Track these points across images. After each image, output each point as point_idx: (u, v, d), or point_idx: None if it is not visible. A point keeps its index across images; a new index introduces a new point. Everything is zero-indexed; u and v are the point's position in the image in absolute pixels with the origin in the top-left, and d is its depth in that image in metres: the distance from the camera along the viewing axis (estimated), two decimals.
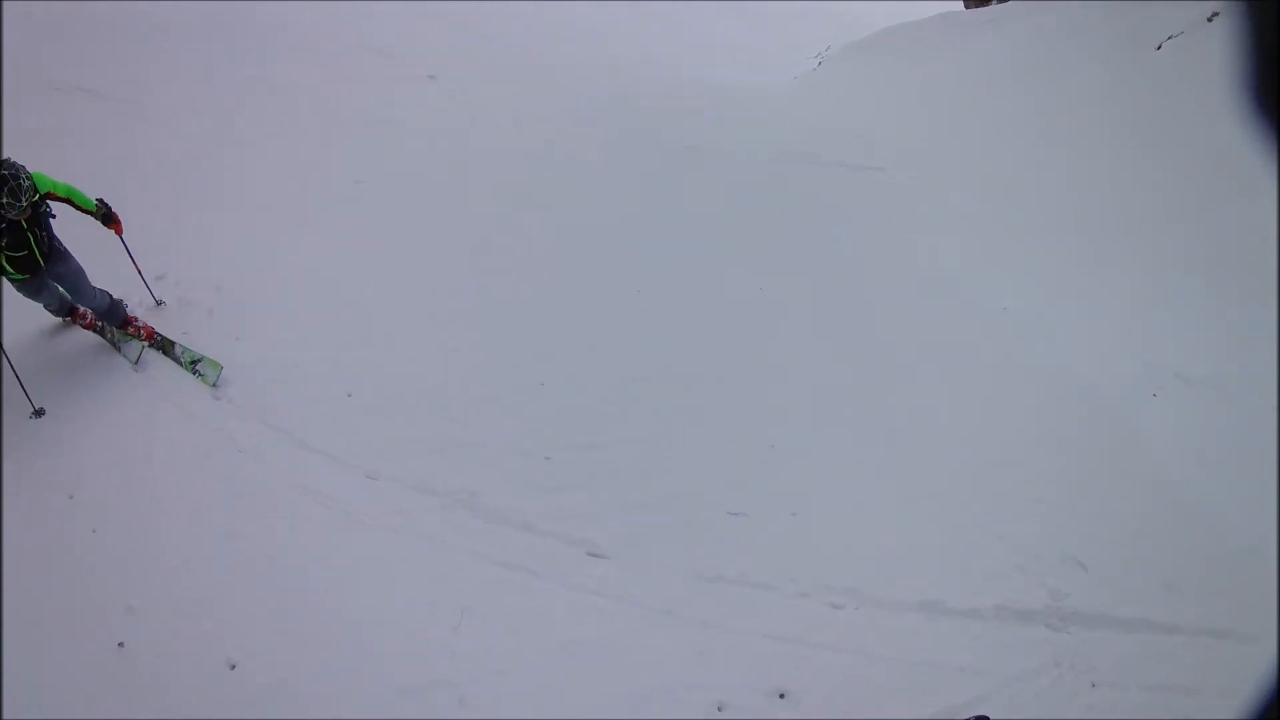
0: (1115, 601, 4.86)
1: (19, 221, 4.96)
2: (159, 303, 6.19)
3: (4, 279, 5.26)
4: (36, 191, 4.97)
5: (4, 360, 5.32)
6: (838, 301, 7.34)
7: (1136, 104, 9.20)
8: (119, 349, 5.87)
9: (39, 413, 5.37)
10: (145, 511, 4.92)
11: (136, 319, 5.93)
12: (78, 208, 5.41)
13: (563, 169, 9.22)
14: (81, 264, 5.54)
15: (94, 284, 5.65)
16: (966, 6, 18.61)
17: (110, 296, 5.76)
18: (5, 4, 8.57)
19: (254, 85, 9.43)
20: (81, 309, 5.85)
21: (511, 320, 6.69)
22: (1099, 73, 10.26)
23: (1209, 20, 9.65)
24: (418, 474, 5.37)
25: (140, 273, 6.03)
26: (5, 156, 4.88)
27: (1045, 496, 5.46)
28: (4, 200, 4.77)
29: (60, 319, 5.95)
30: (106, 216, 5.54)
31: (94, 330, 5.97)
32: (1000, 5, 16.61)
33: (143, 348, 5.81)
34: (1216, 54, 8.76)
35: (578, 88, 12.75)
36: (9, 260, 5.11)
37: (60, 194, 5.26)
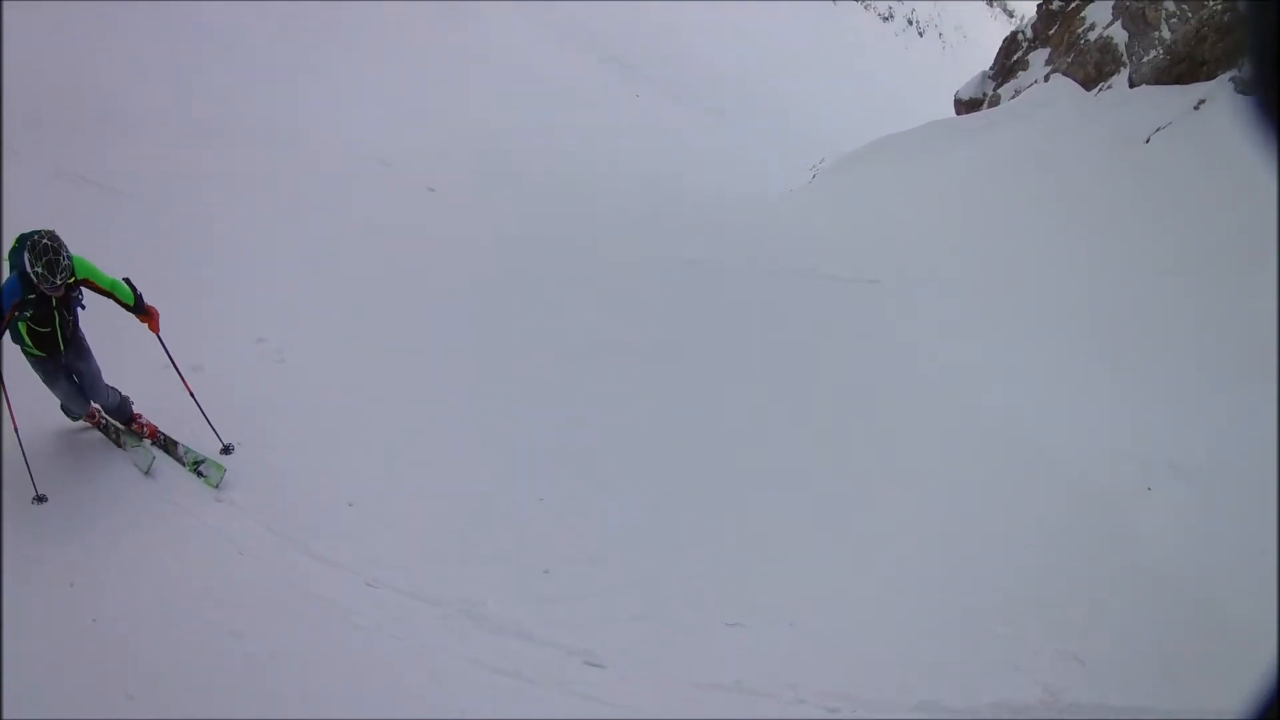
0: (1112, 693, 5.00)
1: (50, 298, 5.16)
2: (226, 448, 6.22)
3: (22, 352, 5.47)
4: (74, 274, 5.18)
5: (1, 442, 5.49)
6: (835, 413, 7.66)
7: (1128, 199, 9.78)
8: (122, 447, 6.08)
9: (41, 499, 5.51)
10: (146, 604, 5.06)
11: (141, 416, 6.16)
12: (119, 302, 5.60)
13: (563, 284, 9.75)
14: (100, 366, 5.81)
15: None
16: (958, 113, 19.57)
17: (119, 394, 5.99)
18: (9, 90, 9.01)
19: (261, 189, 10.06)
20: (93, 407, 6.05)
21: (512, 433, 7.02)
22: (1089, 171, 10.88)
23: (1195, 108, 10.23)
24: (418, 582, 5.55)
25: (190, 391, 6.09)
26: (51, 230, 5.10)
27: (1041, 593, 5.66)
28: (39, 270, 4.95)
29: (75, 421, 6.13)
30: (139, 306, 5.64)
31: (98, 428, 6.18)
32: (990, 110, 17.51)
33: (153, 458, 5.97)
34: (1206, 141, 9.35)
35: (577, 202, 13.45)
36: (30, 333, 5.29)
37: (103, 285, 5.47)
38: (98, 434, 6.23)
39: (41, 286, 5.03)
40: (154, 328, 5.77)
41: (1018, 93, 17.05)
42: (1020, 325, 8.84)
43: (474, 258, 10.05)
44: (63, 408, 5.95)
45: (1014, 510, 6.42)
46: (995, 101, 18.39)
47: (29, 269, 4.97)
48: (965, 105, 20.10)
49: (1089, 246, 9.64)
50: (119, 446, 6.11)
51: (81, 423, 6.17)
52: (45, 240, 4.97)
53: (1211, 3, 10.87)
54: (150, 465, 5.95)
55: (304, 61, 17.33)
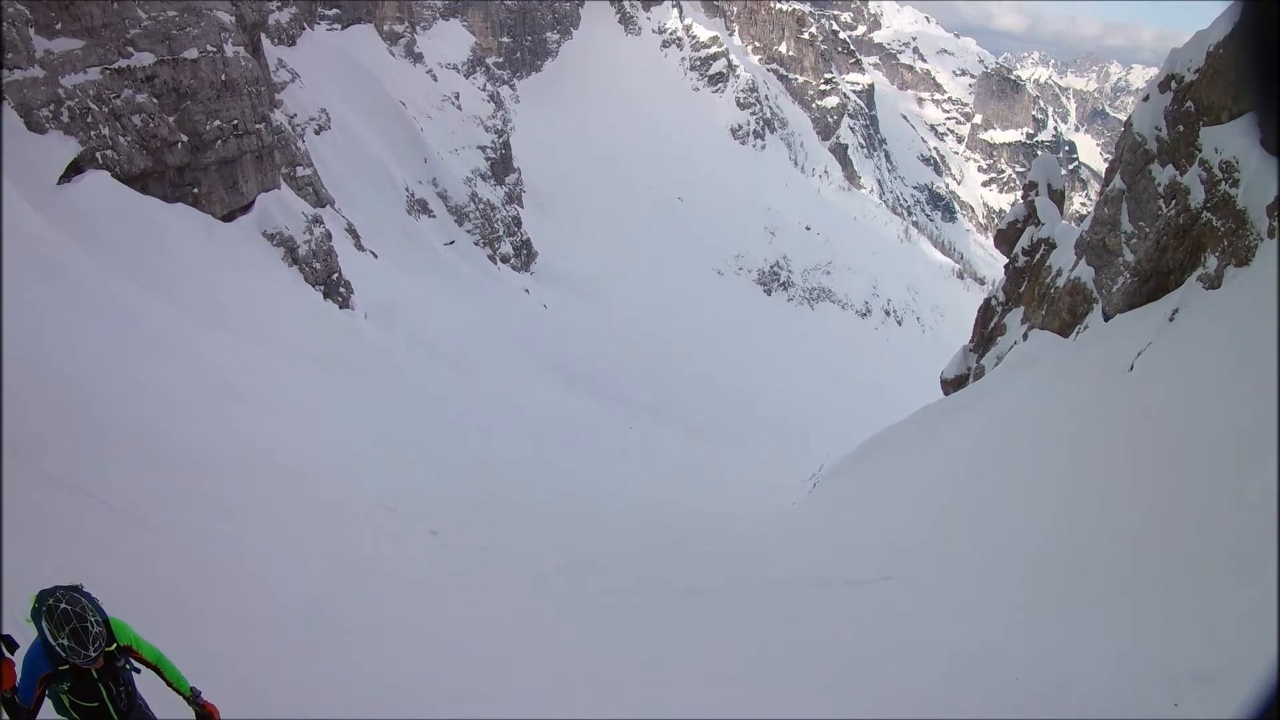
0: None
1: (87, 670, 4.32)
2: None
3: None
4: (113, 640, 4.41)
5: None
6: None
7: (1119, 429, 10.13)
8: None
9: None
10: None
11: None
12: (165, 681, 4.73)
13: (564, 619, 10.03)
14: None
15: None
16: (945, 393, 20.57)
17: None
18: (12, 396, 9.13)
19: (267, 527, 10.34)
20: None
21: None
22: (1080, 416, 11.32)
23: (1171, 320, 10.80)
24: None
25: None
26: (77, 584, 4.39)
27: None
28: (64, 643, 4.10)
29: None
30: (201, 714, 4.77)
31: None
32: (976, 384, 18.38)
33: None
34: (1186, 350, 9.87)
35: (582, 537, 13.92)
36: (75, 707, 4.43)
37: (147, 658, 4.65)
38: None
39: (73, 661, 4.19)
40: None
41: (999, 359, 17.98)
42: (1035, 590, 8.84)
43: (479, 599, 10.29)
44: None
45: None
46: (980, 373, 19.34)
47: (52, 642, 4.14)
48: (951, 384, 21.16)
49: (1090, 488, 9.85)
50: None
51: None
52: (64, 605, 4.14)
53: (1166, 211, 11.83)
54: None
55: (286, 385, 18.50)
